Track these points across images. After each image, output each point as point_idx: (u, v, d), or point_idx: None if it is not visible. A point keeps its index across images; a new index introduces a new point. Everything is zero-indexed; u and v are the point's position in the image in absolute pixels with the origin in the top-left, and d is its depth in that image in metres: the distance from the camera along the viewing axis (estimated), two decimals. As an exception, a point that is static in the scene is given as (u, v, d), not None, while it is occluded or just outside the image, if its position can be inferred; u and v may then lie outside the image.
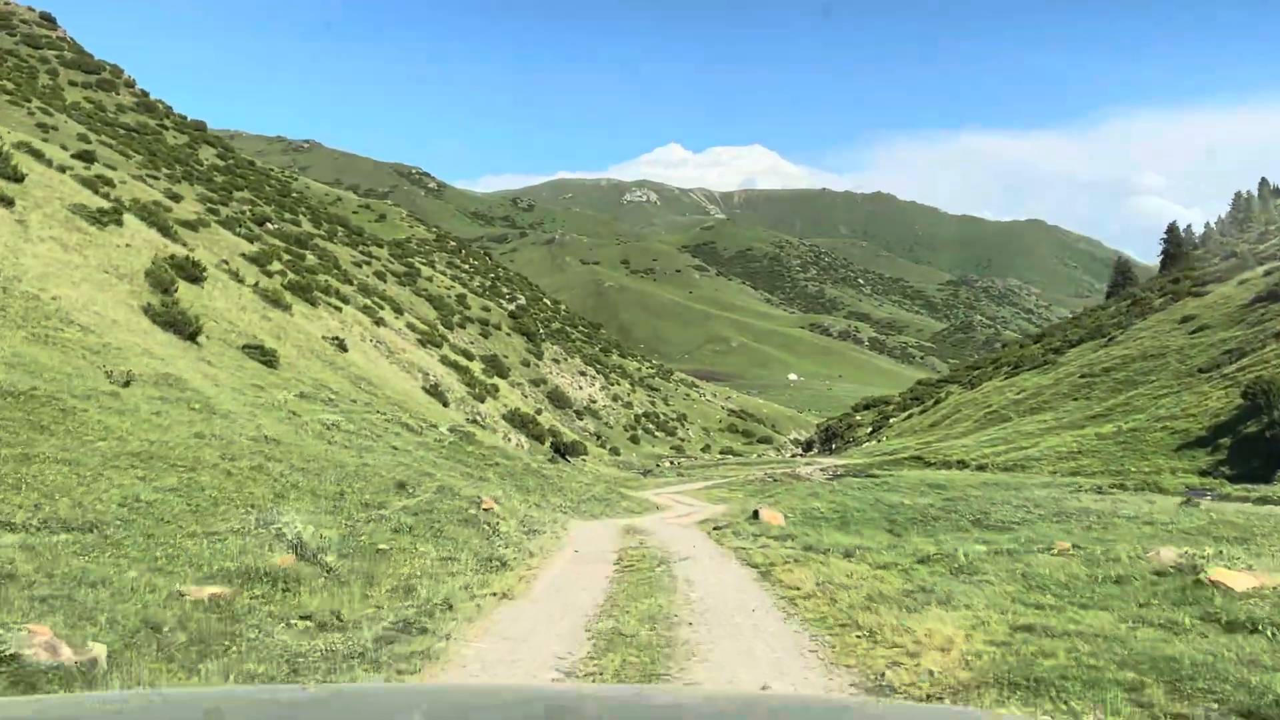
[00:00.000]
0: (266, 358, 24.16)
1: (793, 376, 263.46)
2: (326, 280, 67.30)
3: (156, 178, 76.95)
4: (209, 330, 23.69)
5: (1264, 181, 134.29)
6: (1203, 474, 36.03)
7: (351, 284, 79.14)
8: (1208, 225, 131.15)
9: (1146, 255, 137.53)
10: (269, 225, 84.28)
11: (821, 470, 53.90)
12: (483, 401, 50.92)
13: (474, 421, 40.83)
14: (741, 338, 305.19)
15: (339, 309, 49.19)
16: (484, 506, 16.48)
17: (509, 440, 47.76)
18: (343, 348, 34.14)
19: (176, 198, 60.44)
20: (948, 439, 62.19)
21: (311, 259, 79.07)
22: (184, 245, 33.86)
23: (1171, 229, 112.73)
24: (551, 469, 30.26)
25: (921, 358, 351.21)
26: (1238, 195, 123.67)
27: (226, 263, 43.78)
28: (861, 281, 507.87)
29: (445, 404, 44.27)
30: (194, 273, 27.54)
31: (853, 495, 28.63)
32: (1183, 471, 37.12)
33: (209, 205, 77.26)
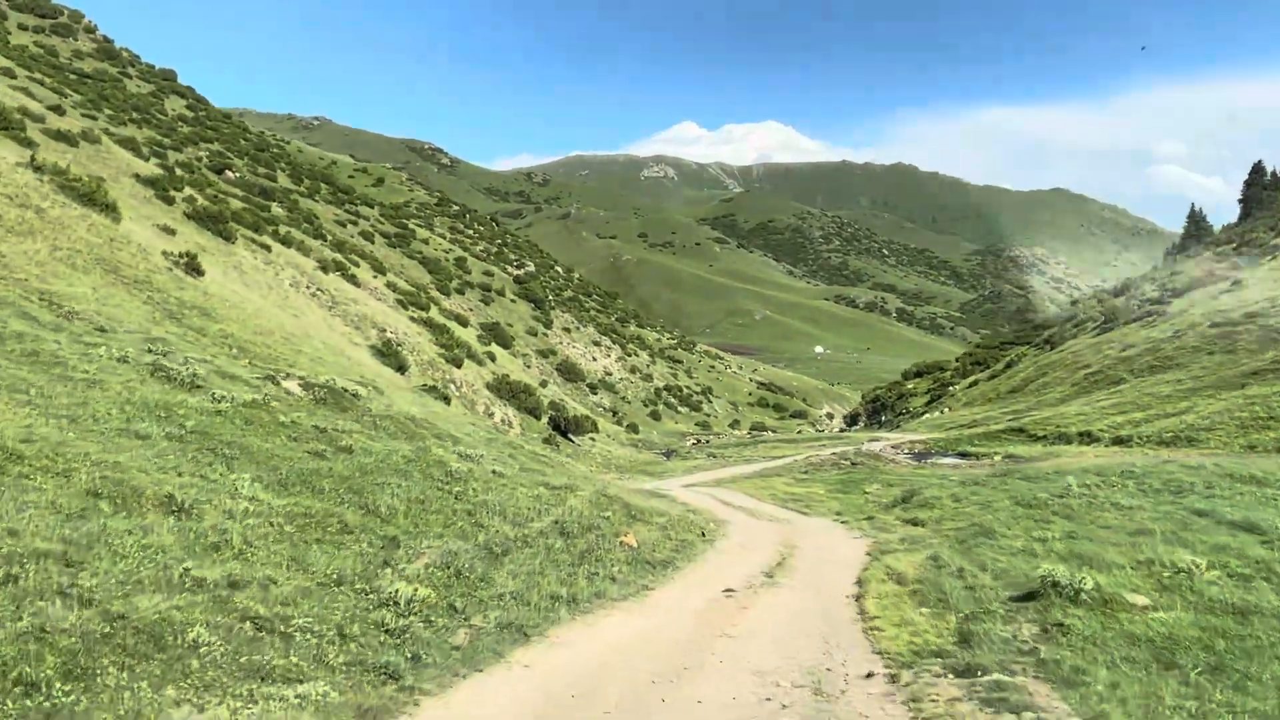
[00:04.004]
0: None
1: (819, 349, 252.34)
2: (289, 231, 56.44)
3: (94, 117, 65.93)
4: None
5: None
6: None
7: (325, 238, 68.14)
8: (1275, 172, 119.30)
9: (1169, 222, 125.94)
10: (229, 174, 73.13)
11: (895, 448, 42.41)
12: (459, 367, 39.59)
13: (431, 389, 29.47)
14: (765, 310, 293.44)
15: (268, 249, 37.90)
16: None
17: (491, 414, 36.31)
18: (195, 270, 22.94)
19: (59, 110, 49.38)
20: (1042, 406, 50.53)
21: (278, 210, 68.18)
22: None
23: (1257, 168, 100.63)
24: (467, 468, 16.46)
25: (951, 328, 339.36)
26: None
27: (107, 180, 32.56)
28: (886, 253, 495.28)
29: (402, 368, 32.97)
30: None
31: (1169, 516, 15.48)
32: None
33: (159, 148, 66.37)
